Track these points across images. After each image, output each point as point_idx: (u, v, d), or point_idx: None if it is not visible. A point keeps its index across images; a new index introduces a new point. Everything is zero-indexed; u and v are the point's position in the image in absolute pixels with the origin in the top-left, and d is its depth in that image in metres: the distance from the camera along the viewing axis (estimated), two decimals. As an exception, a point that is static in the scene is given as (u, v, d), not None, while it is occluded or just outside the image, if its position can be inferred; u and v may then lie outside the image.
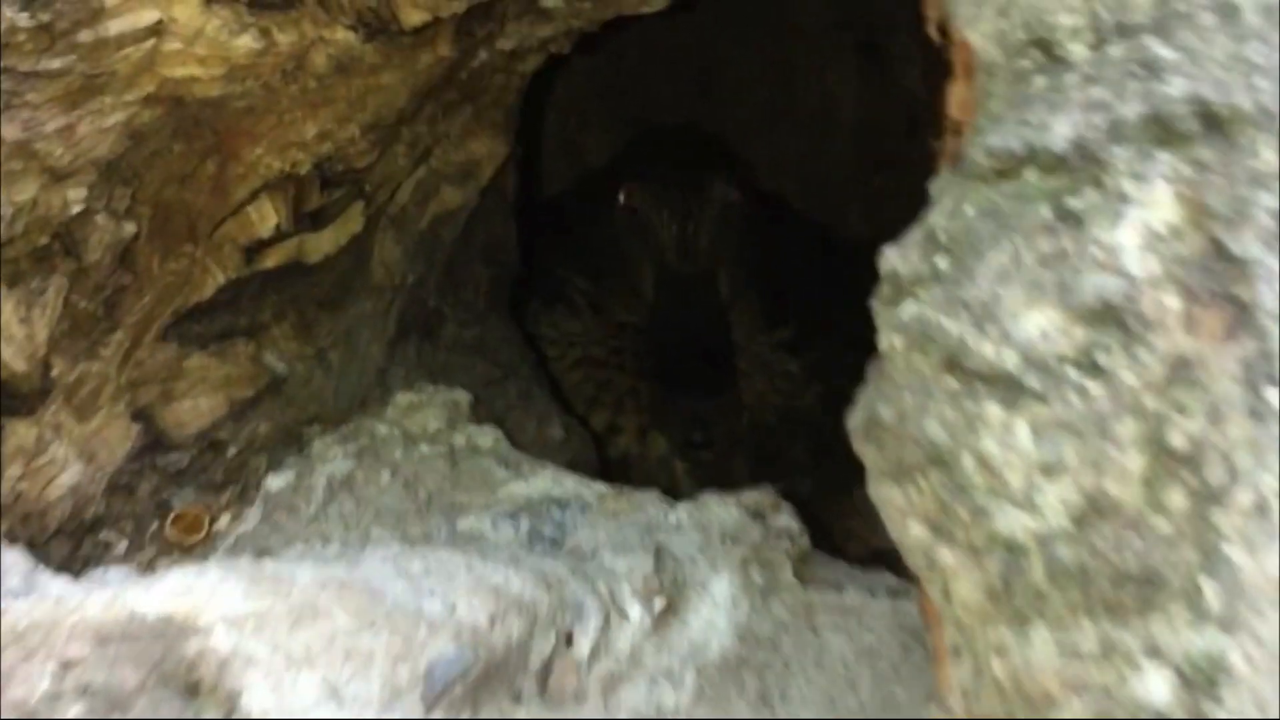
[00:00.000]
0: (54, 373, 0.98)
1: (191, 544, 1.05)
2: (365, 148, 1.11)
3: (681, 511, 1.06)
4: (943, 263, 0.64)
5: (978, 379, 0.60)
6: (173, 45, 0.93)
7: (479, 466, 1.12)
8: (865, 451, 0.67)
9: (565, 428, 1.31)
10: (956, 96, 0.72)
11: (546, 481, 1.09)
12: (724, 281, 1.79)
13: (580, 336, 1.84)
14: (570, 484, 1.09)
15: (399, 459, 1.12)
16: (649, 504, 1.07)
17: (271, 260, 1.14)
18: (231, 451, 1.11)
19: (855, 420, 0.68)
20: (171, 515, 1.06)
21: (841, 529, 1.66)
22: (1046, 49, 0.65)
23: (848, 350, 1.96)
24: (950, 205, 0.66)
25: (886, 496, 0.66)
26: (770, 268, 1.93)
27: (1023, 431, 0.58)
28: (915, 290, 0.65)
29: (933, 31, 0.76)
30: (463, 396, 1.21)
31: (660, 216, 1.77)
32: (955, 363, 0.61)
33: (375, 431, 1.14)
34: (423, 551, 0.84)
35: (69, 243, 0.96)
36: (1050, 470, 0.57)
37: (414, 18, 1.02)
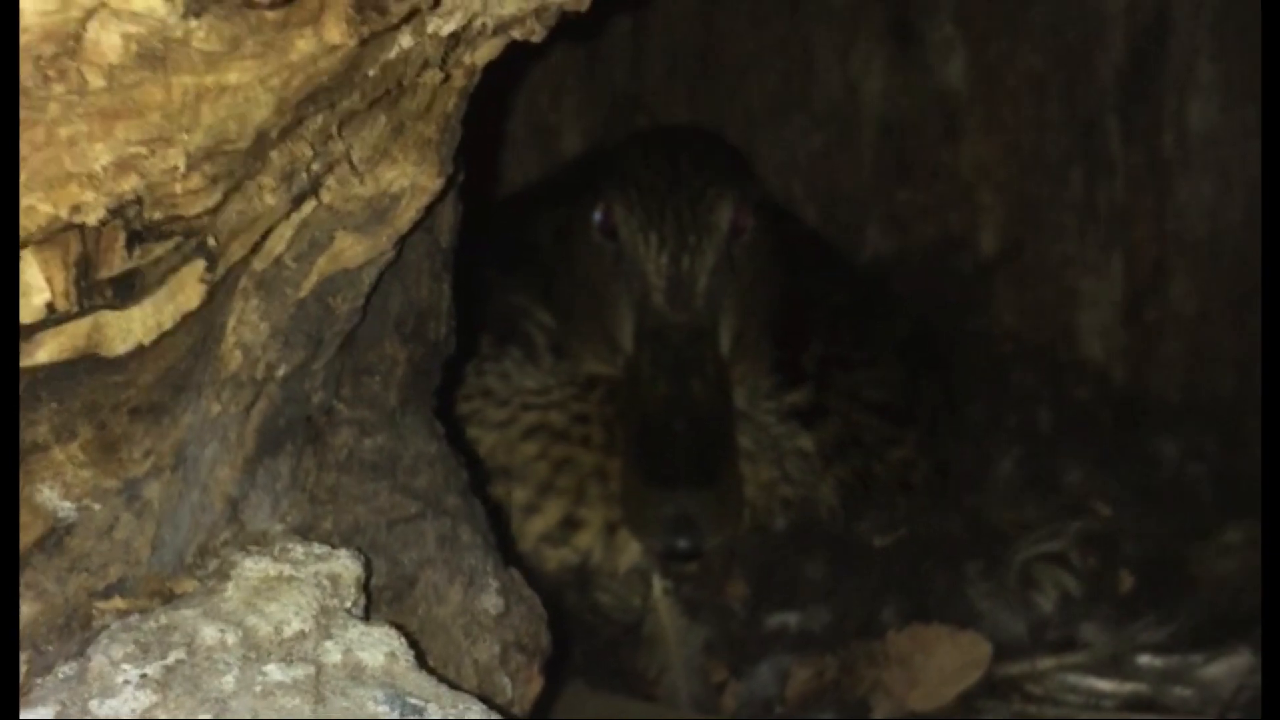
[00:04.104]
0: None
1: None
2: (200, 184, 0.68)
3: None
4: None
5: None
6: None
7: (358, 710, 0.69)
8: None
9: (505, 591, 0.88)
10: None
11: (464, 746, 0.67)
12: (726, 334, 1.39)
13: (537, 397, 1.41)
14: (504, 753, 0.67)
15: (228, 691, 0.69)
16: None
17: (46, 352, 0.70)
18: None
19: None
20: None
21: (868, 679, 1.30)
22: None
23: (873, 416, 1.56)
24: None
25: None
26: (783, 309, 1.52)
27: None
28: None
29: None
30: (348, 566, 0.78)
31: (647, 245, 1.37)
32: None
33: (197, 635, 0.71)
34: None
35: None
36: None
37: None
